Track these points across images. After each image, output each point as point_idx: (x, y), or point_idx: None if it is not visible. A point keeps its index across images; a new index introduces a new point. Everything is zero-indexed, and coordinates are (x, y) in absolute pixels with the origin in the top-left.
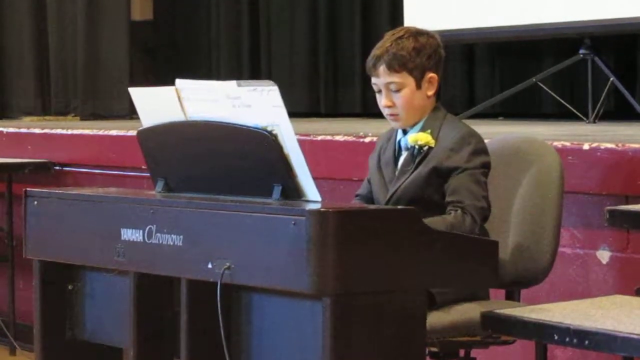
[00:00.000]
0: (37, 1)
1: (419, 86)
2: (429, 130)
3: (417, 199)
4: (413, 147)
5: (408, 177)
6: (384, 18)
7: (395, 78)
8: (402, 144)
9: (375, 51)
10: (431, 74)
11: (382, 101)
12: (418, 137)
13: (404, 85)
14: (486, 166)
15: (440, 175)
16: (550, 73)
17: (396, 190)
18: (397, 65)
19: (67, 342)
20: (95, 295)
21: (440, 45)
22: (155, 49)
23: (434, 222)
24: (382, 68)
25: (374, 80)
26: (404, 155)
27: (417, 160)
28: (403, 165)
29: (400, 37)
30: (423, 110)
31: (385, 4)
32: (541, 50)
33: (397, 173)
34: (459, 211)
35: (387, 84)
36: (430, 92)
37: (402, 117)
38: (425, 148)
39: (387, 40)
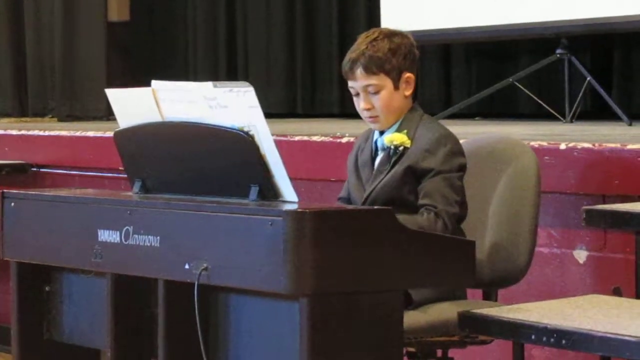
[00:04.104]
0: (14, 2)
1: (396, 87)
2: (405, 131)
3: (393, 200)
4: (389, 148)
5: (384, 177)
6: (361, 19)
7: (373, 80)
8: (379, 144)
9: (351, 54)
10: (408, 74)
11: (360, 104)
12: (394, 138)
13: (382, 87)
14: (462, 168)
15: (415, 175)
16: (527, 73)
17: (372, 191)
18: (374, 67)
19: (44, 343)
20: (72, 296)
21: (414, 44)
22: (132, 50)
23: (404, 220)
24: (359, 71)
25: (350, 84)
26: (380, 155)
27: (392, 161)
28: (379, 165)
29: (374, 39)
30: (401, 110)
31: (362, 5)
32: (518, 50)
33: (373, 173)
34: (432, 214)
35: (365, 87)
36: (408, 92)
37: (381, 118)
38: (401, 148)
39: (361, 42)
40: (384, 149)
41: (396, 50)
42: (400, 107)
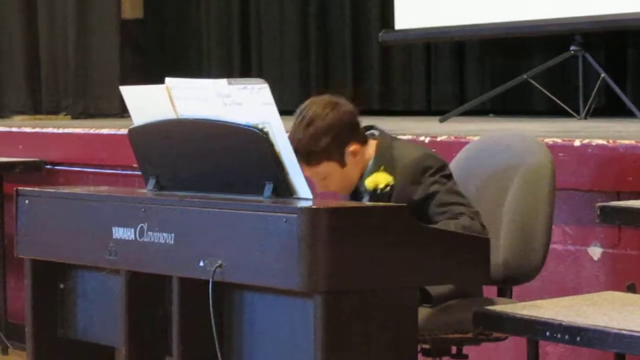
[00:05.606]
0: (28, 0)
1: (343, 164)
2: (382, 167)
3: None
4: (375, 191)
5: None
6: (375, 15)
7: (318, 169)
8: (361, 189)
9: (291, 140)
10: (352, 147)
11: (317, 187)
12: (378, 181)
13: (329, 172)
14: (451, 176)
15: (417, 208)
16: (541, 70)
17: None
18: (313, 160)
19: (58, 341)
20: (87, 294)
21: (349, 110)
22: (146, 47)
23: (447, 224)
24: (301, 164)
25: None
26: (367, 199)
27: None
28: None
29: (307, 125)
30: (362, 168)
31: (376, 2)
32: (532, 47)
33: None
34: (465, 216)
35: (314, 175)
36: (359, 158)
37: (343, 191)
38: (388, 188)
39: (297, 130)
40: (368, 192)
41: (330, 131)
42: (356, 172)
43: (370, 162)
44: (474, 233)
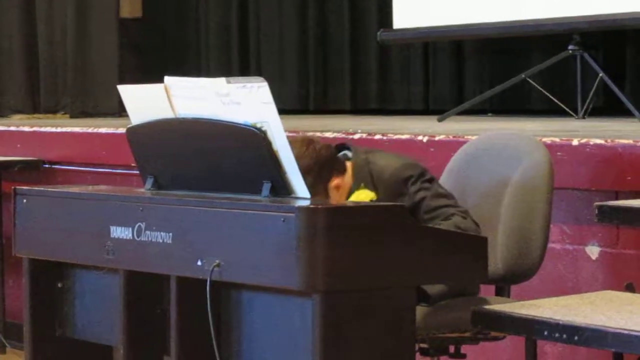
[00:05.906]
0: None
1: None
2: (362, 184)
3: None
4: None
5: None
6: (373, 14)
7: None
8: None
9: None
10: (334, 182)
11: None
12: (360, 199)
13: None
14: (433, 179)
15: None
16: (540, 69)
17: None
18: None
19: (57, 340)
20: (85, 293)
21: (324, 145)
22: (144, 47)
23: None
24: None
25: None
26: None
27: None
28: None
29: None
30: (346, 196)
31: (375, 1)
32: (530, 46)
33: None
34: (457, 216)
35: None
36: (342, 190)
37: None
38: None
39: None
40: None
41: (311, 172)
42: (344, 199)
43: (352, 185)
44: (468, 231)
